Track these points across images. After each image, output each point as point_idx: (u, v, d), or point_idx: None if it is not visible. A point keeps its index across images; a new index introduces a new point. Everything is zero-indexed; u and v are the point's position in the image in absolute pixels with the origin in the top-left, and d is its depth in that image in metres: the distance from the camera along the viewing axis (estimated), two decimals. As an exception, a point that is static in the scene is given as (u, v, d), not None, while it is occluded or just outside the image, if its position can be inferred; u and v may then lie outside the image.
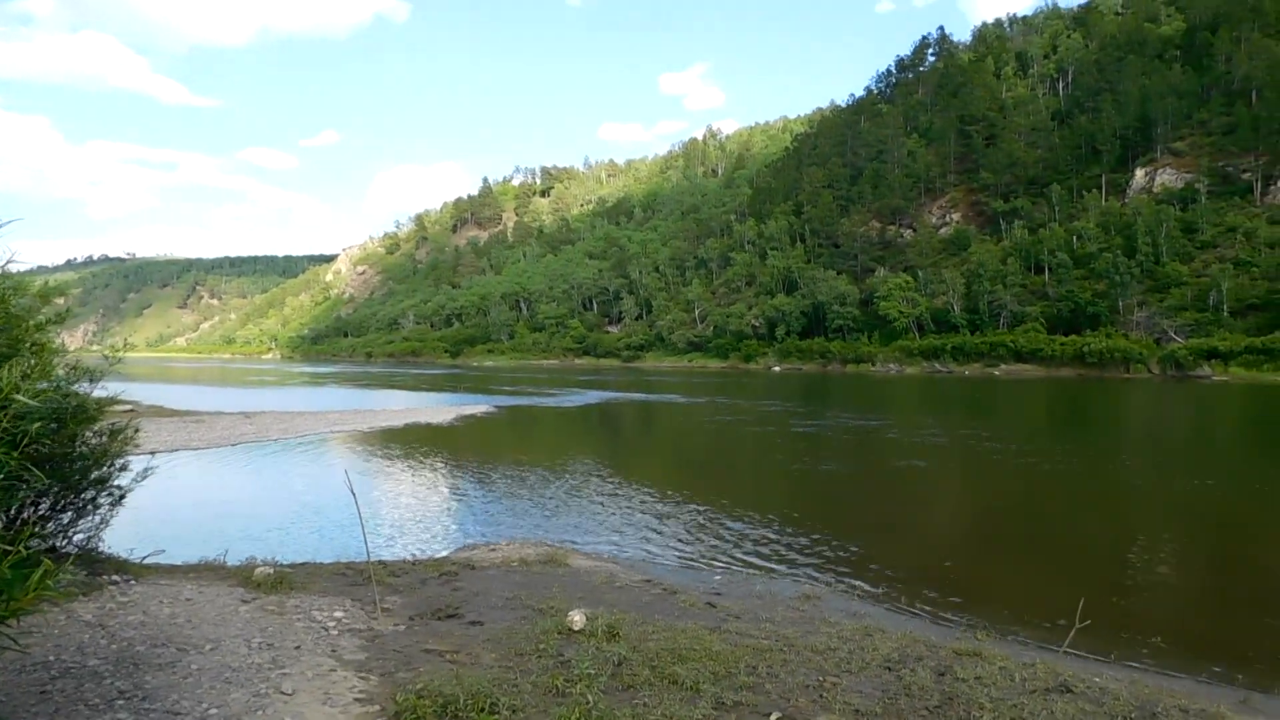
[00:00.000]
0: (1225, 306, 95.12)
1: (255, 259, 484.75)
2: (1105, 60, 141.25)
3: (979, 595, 13.46)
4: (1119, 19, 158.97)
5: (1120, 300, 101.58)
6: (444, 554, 15.45)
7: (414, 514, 20.30)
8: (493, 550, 15.40)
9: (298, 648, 7.81)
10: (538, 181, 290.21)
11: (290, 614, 9.02)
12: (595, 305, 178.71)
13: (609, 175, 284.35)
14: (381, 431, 38.75)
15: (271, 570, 10.66)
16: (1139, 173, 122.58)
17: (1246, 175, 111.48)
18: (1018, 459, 30.71)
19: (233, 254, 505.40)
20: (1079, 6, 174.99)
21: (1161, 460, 31.64)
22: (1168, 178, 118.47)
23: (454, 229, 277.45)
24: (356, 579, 11.18)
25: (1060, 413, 55.15)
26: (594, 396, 65.33)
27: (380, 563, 12.85)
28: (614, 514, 20.34)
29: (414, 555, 15.21)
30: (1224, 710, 7.99)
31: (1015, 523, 20.52)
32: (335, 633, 8.52)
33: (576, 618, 8.87)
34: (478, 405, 54.34)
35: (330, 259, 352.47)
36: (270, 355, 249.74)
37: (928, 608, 12.68)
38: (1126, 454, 33.18)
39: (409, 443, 34.37)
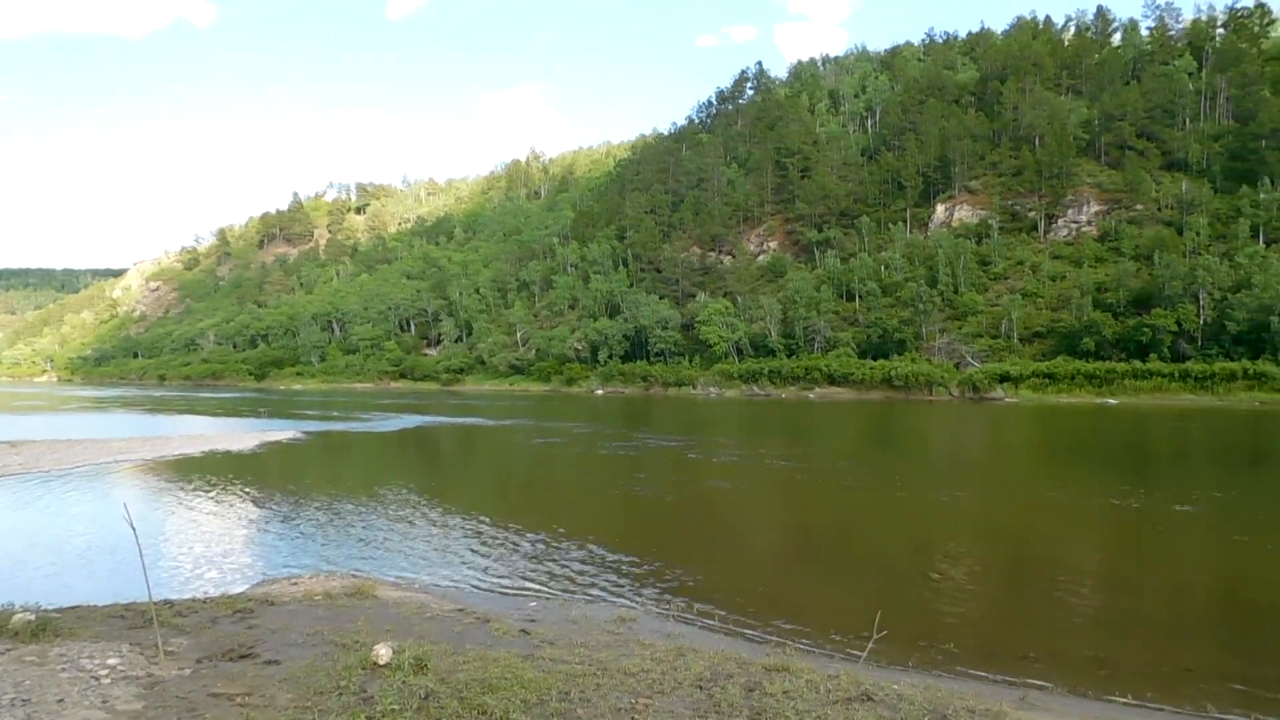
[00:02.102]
0: (1015, 334, 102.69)
1: (28, 271, 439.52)
2: (909, 102, 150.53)
3: (789, 611, 13.87)
4: (921, 64, 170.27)
5: (924, 327, 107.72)
6: (240, 590, 14.71)
7: (208, 549, 19.13)
8: (294, 584, 14.81)
9: (60, 701, 7.10)
10: (353, 198, 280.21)
11: (53, 664, 8.20)
12: (413, 327, 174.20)
13: (429, 194, 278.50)
14: (174, 461, 36.33)
15: (33, 616, 9.55)
16: (939, 208, 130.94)
17: (1032, 214, 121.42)
18: (827, 478, 32.03)
19: (1, 265, 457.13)
20: (886, 51, 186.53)
21: (956, 476, 33.60)
22: (965, 214, 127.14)
23: (261, 245, 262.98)
24: (137, 621, 10.30)
25: (868, 433, 57.64)
26: (411, 421, 63.61)
27: (165, 602, 11.93)
28: (429, 542, 19.94)
29: (205, 593, 14.28)
30: (1006, 708, 8.57)
31: (824, 539, 21.36)
32: (108, 681, 7.80)
33: (382, 651, 8.65)
34: (284, 431, 51.95)
35: (119, 274, 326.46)
36: (45, 378, 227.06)
37: (740, 625, 13.06)
38: (926, 471, 35.38)
39: (205, 472, 32.31)
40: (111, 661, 8.37)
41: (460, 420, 66.02)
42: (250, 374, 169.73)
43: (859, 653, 10.77)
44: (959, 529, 22.09)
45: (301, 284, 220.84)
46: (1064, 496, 26.82)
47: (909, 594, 15.36)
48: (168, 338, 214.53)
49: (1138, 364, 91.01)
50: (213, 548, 19.22)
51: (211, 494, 26.86)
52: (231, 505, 24.95)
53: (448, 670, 8.53)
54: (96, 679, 7.80)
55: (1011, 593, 16.18)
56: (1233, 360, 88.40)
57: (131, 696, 7.35)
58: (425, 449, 47.63)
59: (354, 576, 15.66)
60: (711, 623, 13.23)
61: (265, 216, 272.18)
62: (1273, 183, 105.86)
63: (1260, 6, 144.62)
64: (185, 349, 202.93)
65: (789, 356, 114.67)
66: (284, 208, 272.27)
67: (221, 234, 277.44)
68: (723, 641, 11.83)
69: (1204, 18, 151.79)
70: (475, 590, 15.43)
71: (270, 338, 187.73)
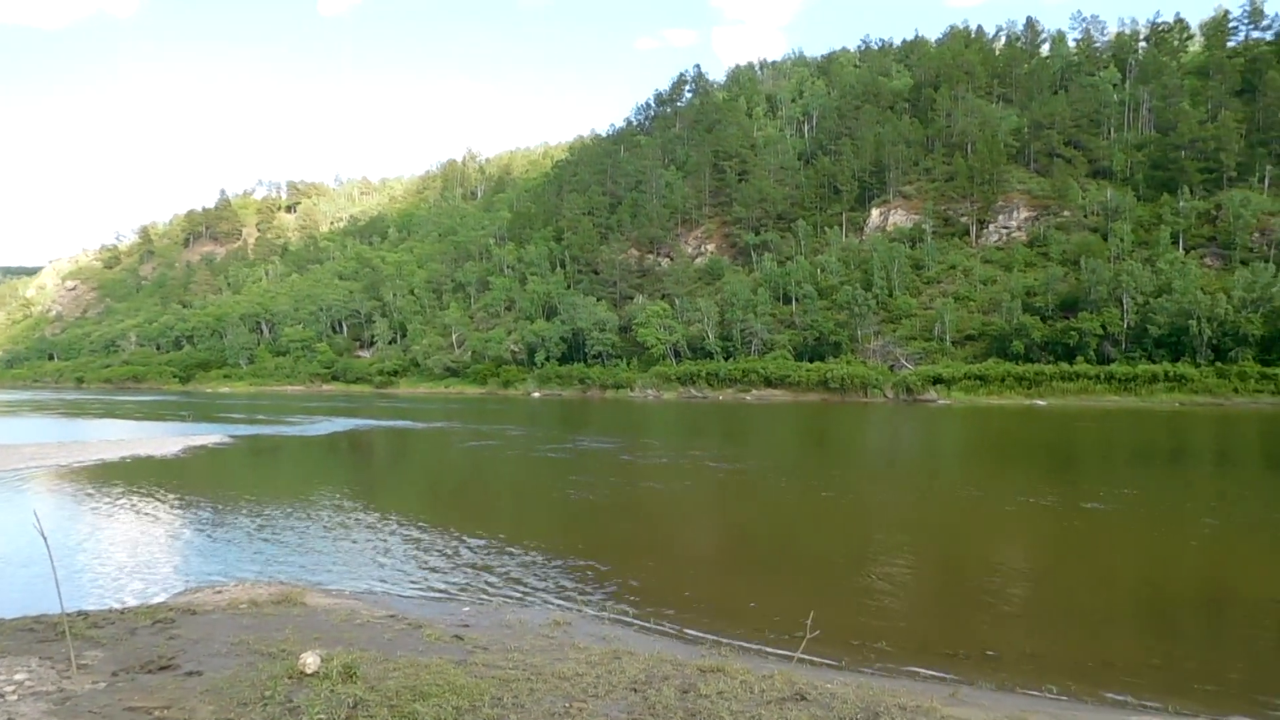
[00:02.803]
0: (948, 336, 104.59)
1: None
2: (845, 108, 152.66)
3: (725, 612, 14.02)
4: (857, 70, 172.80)
5: (859, 329, 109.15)
6: (160, 599, 14.17)
7: (129, 559, 18.44)
8: (219, 593, 14.39)
9: (-43, 721, 6.66)
10: (283, 196, 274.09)
11: (-49, 681, 7.68)
12: (345, 328, 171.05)
13: (362, 193, 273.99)
14: (93, 466, 35.01)
15: (-71, 630, 8.73)
16: (874, 212, 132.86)
17: (964, 219, 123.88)
18: (763, 479, 32.32)
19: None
20: (822, 57, 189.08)
21: (889, 477, 34.26)
22: (899, 218, 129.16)
23: (186, 243, 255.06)
24: (48, 634, 9.88)
25: (804, 435, 58.12)
26: (343, 424, 62.41)
27: (80, 614, 11.48)
28: (360, 548, 19.59)
29: (125, 604, 13.71)
30: (936, 704, 8.71)
31: (760, 540, 21.47)
32: (14, 698, 7.44)
33: (310, 660, 8.45)
34: (210, 435, 50.56)
35: (33, 272, 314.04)
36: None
37: (676, 627, 13.11)
38: (859, 472, 35.93)
39: (126, 479, 31.14)
40: (19, 677, 7.94)
41: (394, 423, 64.97)
42: (174, 376, 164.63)
43: (794, 652, 10.84)
44: (891, 528, 22.46)
45: (229, 284, 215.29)
46: (988, 495, 27.55)
47: (843, 593, 15.58)
48: (86, 339, 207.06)
49: (1065, 366, 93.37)
50: (134, 557, 18.49)
51: (133, 501, 25.90)
52: (154, 513, 24.09)
53: (377, 678, 8.42)
54: (1, 695, 7.39)
55: (942, 590, 16.47)
56: (1154, 363, 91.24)
57: (40, 713, 7.00)
58: (358, 453, 46.72)
59: (281, 584, 15.32)
60: (648, 625, 13.24)
61: (191, 214, 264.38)
62: (1191, 191, 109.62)
63: (1179, 22, 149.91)
64: (105, 350, 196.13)
65: (726, 359, 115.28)
66: (211, 205, 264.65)
67: (144, 232, 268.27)
68: (659, 643, 11.85)
69: (1127, 31, 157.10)
70: (407, 596, 15.26)
71: (196, 339, 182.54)
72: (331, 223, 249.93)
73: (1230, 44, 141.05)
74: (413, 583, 16.33)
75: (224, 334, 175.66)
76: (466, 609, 14.07)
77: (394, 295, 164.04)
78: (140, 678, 8.29)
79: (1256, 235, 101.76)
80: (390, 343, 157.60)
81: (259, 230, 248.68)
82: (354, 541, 20.32)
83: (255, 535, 21.05)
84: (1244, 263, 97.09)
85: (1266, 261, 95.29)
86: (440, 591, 15.65)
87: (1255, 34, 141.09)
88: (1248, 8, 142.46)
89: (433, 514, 24.40)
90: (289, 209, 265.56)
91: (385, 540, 20.43)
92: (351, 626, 11.68)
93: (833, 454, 45.41)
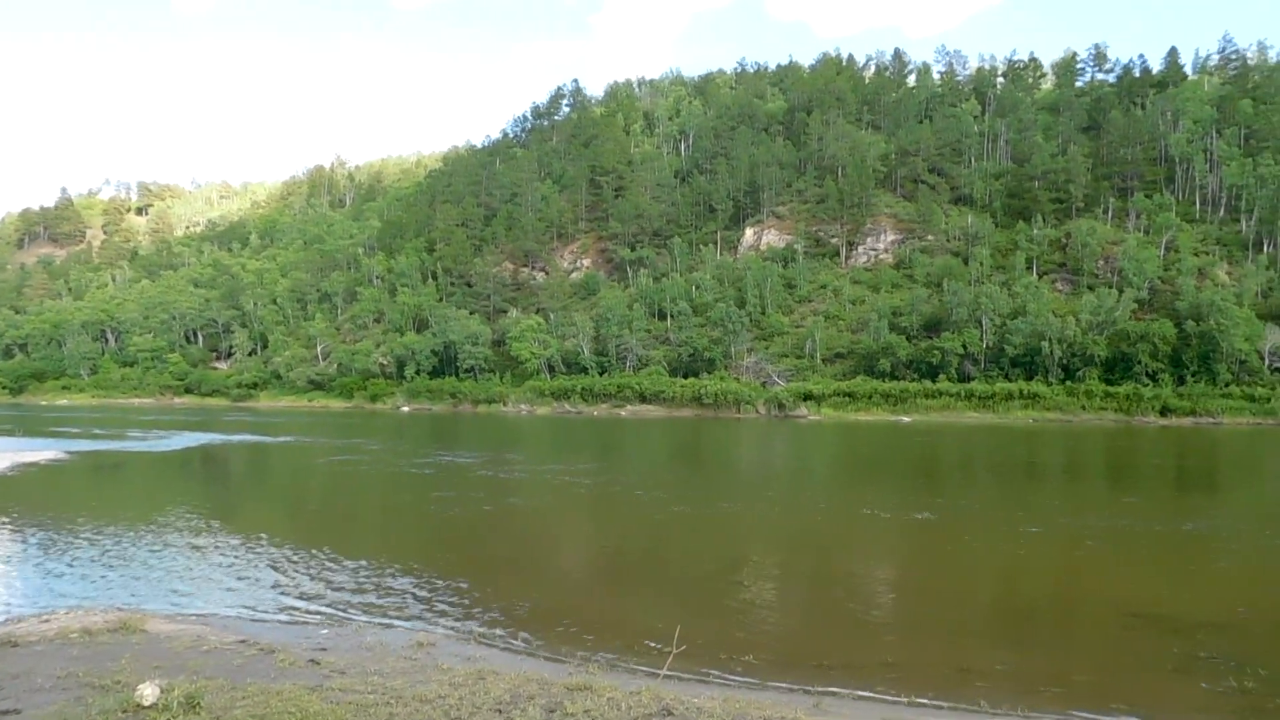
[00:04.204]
0: (818, 354, 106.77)
1: None
2: (721, 128, 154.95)
3: (594, 628, 13.87)
4: (733, 92, 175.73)
5: (733, 346, 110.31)
6: None
7: None
8: (45, 622, 12.81)
9: None
10: (134, 197, 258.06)
11: None
12: (201, 339, 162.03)
13: (221, 197, 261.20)
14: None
15: None
16: (749, 231, 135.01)
17: (835, 240, 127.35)
18: (634, 494, 32.13)
19: None
20: (700, 77, 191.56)
21: (759, 492, 34.45)
22: (772, 238, 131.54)
23: (20, 244, 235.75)
24: None
25: (677, 450, 58.03)
26: (196, 439, 58.47)
27: None
28: (212, 569, 18.31)
29: None
30: (800, 715, 9.04)
31: (630, 555, 21.53)
32: None
33: (147, 691, 8.00)
34: (43, 451, 46.13)
35: None
36: None
37: (543, 645, 12.95)
38: (728, 487, 36.22)
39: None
40: None
41: (252, 438, 61.34)
42: (5, 388, 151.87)
43: (662, 669, 10.85)
44: (758, 542, 23.11)
45: (70, 289, 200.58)
46: (851, 509, 28.90)
47: (711, 607, 15.70)
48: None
49: (929, 384, 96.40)
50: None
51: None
52: (-29, 531, 21.26)
53: (223, 708, 8.14)
54: None
55: (807, 602, 16.74)
56: (1011, 381, 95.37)
57: None
58: (211, 469, 43.75)
59: (120, 610, 13.89)
60: (515, 644, 13.07)
61: (26, 213, 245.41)
62: (1044, 220, 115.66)
63: (1034, 61, 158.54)
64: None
65: (601, 374, 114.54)
66: (50, 204, 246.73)
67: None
68: (525, 663, 11.69)
69: (987, 67, 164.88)
70: (261, 619, 14.35)
71: (30, 347, 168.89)
72: (187, 227, 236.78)
73: (1079, 84, 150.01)
74: (267, 605, 15.39)
75: (63, 342, 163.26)
76: (324, 632, 13.36)
77: (255, 304, 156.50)
78: (-62, 724, 6.93)
79: (1101, 262, 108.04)
80: (250, 354, 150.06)
81: (105, 233, 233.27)
82: (203, 563, 18.88)
83: (92, 558, 19.04)
84: (1090, 288, 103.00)
85: (1110, 287, 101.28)
86: (296, 613, 14.82)
87: (1100, 75, 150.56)
88: (1093, 51, 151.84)
89: (291, 533, 23.13)
90: (140, 211, 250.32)
91: (238, 561, 19.07)
92: (197, 653, 10.99)
93: (704, 469, 45.70)
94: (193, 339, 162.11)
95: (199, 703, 8.01)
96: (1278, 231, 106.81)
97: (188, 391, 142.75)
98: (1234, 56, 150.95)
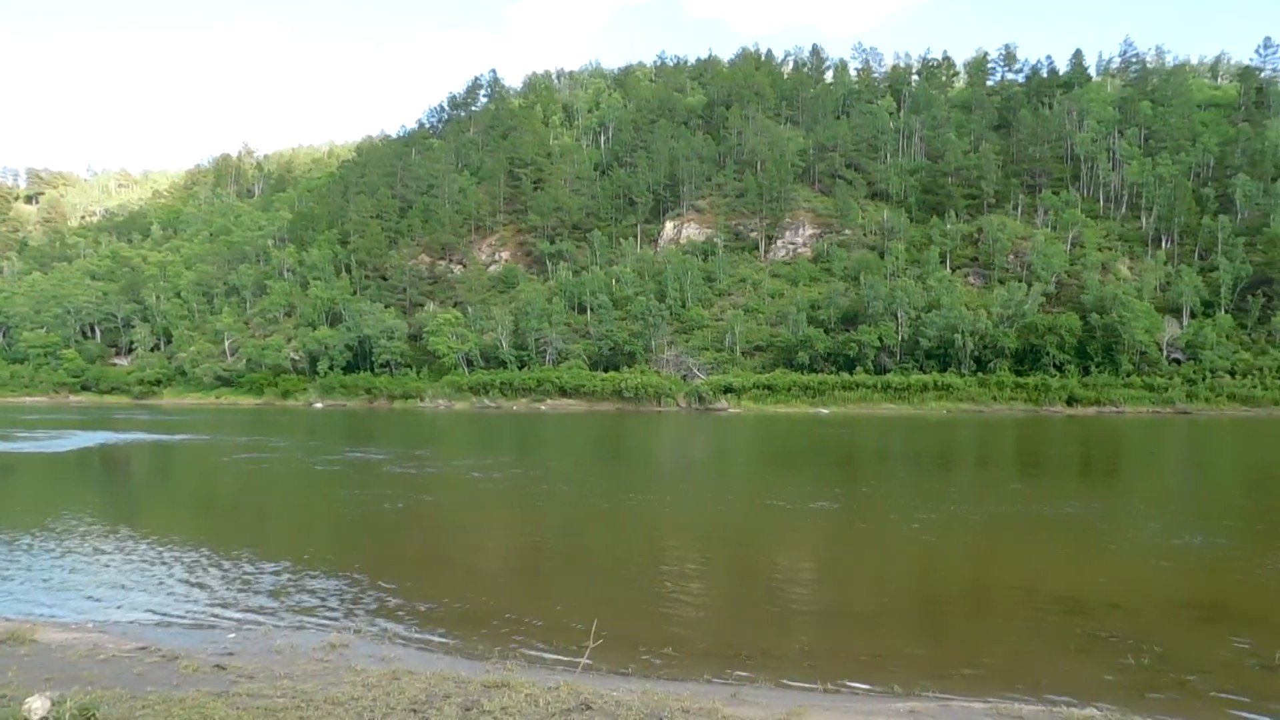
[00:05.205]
0: (738, 347, 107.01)
1: None
2: (641, 121, 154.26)
3: (512, 625, 13.72)
4: (653, 85, 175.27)
5: (653, 340, 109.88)
6: None
7: None
8: None
9: None
10: (22, 185, 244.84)
11: None
12: (99, 334, 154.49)
13: (120, 185, 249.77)
14: None
15: None
16: (669, 225, 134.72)
17: (754, 234, 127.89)
18: (553, 488, 31.83)
19: None
20: (619, 70, 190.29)
21: (678, 484, 34.49)
22: (692, 231, 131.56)
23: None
24: None
25: (597, 444, 57.43)
26: (94, 438, 55.44)
27: None
28: (110, 574, 17.34)
29: None
30: (718, 705, 9.09)
31: (547, 550, 21.38)
32: None
33: (37, 704, 7.73)
34: (-77, 452, 43.10)
35: None
36: None
37: (461, 643, 12.78)
38: (647, 480, 36.00)
39: None
40: None
41: (154, 436, 58.61)
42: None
43: (580, 661, 10.92)
44: (676, 534, 23.14)
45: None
46: (768, 499, 28.84)
47: (629, 600, 15.73)
48: None
49: (846, 376, 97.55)
50: None
51: None
52: None
53: (121, 718, 7.94)
54: None
55: (725, 593, 16.70)
56: (925, 373, 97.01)
57: None
58: (109, 470, 41.42)
59: (7, 620, 13.28)
60: (431, 641, 12.88)
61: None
62: (957, 215, 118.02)
63: (947, 59, 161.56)
64: None
65: (521, 368, 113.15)
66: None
67: None
68: (442, 661, 11.50)
69: (902, 64, 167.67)
70: (163, 625, 13.72)
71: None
72: (83, 217, 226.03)
73: (990, 83, 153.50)
74: (170, 610, 14.68)
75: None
76: (231, 636, 12.86)
77: (157, 298, 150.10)
78: None
79: (1011, 257, 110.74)
80: (152, 349, 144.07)
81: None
82: (100, 568, 17.81)
83: (-22, 568, 17.61)
84: (1001, 282, 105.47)
85: (1020, 281, 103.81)
86: (200, 618, 14.22)
87: (1010, 75, 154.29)
88: (1003, 52, 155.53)
89: (196, 534, 21.97)
90: (29, 199, 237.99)
91: (137, 564, 18.05)
92: (93, 663, 10.55)
93: (623, 463, 45.24)
94: (90, 334, 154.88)
95: (94, 714, 7.78)
96: (1175, 228, 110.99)
97: (85, 389, 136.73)
98: (1134, 60, 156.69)
